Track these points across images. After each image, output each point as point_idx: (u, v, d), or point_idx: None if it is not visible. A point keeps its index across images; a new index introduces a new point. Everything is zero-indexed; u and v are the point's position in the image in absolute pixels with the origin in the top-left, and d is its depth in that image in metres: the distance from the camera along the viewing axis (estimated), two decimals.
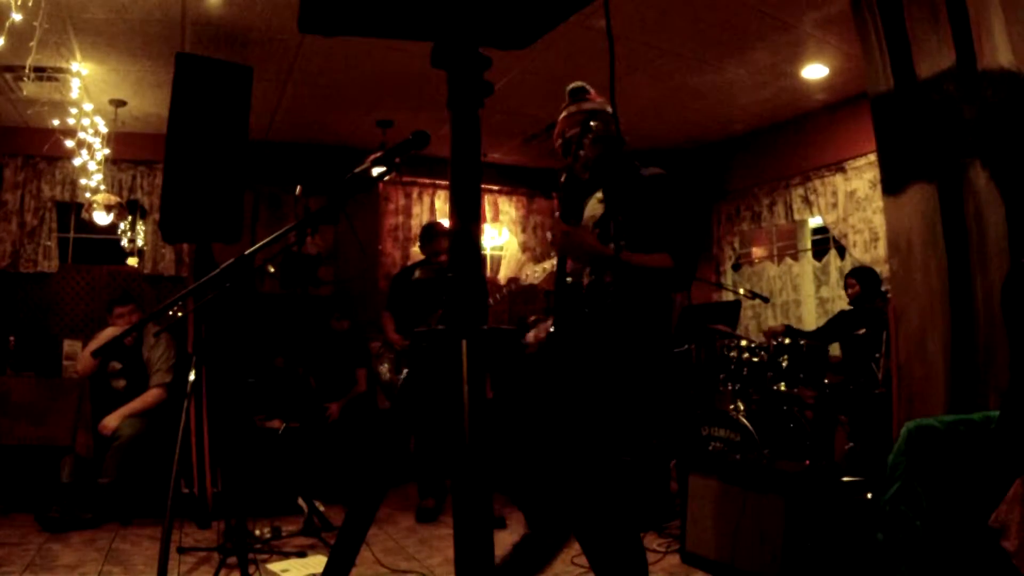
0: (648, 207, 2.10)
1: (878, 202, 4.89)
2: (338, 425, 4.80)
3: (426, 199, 6.61)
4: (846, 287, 4.65)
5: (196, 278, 4.65)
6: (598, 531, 1.94)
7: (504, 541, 3.69)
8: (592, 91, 2.31)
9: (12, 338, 5.02)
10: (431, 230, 4.52)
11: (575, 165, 2.18)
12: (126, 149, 5.55)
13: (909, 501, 2.09)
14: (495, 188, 6.79)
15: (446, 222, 5.54)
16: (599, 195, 2.21)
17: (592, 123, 2.10)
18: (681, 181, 2.17)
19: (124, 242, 5.70)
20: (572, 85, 2.31)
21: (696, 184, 6.63)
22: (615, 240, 1.99)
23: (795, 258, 6.04)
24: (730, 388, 4.21)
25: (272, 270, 5.35)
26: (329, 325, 5.24)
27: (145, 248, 5.78)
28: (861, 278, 4.54)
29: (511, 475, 2.10)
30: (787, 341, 4.16)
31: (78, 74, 4.27)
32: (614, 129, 2.17)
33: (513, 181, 6.80)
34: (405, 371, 4.32)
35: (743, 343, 4.22)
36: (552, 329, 2.14)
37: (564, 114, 2.28)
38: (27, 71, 3.56)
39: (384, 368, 4.47)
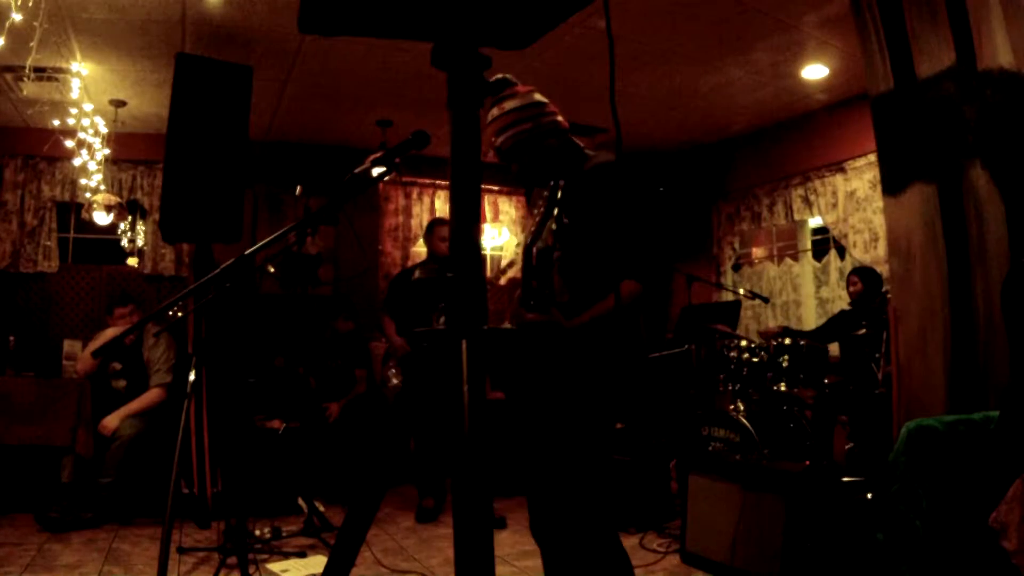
0: (599, 209, 1.90)
1: (878, 202, 4.89)
2: (338, 425, 4.80)
3: (426, 199, 6.61)
4: (848, 284, 4.66)
5: (196, 278, 4.65)
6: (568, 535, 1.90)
7: (504, 541, 3.70)
8: (516, 82, 2.01)
9: (12, 338, 5.01)
10: (432, 222, 4.53)
11: (517, 175, 2.06)
12: (126, 149, 5.55)
13: (909, 501, 2.09)
14: (495, 188, 6.79)
15: None
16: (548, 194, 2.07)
17: (511, 133, 1.95)
18: (629, 169, 1.97)
19: (124, 242, 5.70)
20: (492, 78, 2.02)
21: (696, 184, 6.64)
22: (572, 247, 1.89)
23: (795, 258, 6.04)
24: (730, 388, 4.21)
25: (272, 270, 5.33)
26: (330, 325, 5.24)
27: (145, 248, 5.78)
28: (864, 276, 4.55)
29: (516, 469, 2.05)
30: (787, 341, 4.16)
31: (78, 74, 4.27)
32: (545, 121, 1.99)
33: (513, 181, 6.78)
34: None
35: (743, 343, 4.23)
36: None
37: (488, 118, 2.03)
38: (27, 71, 3.55)
39: (392, 374, 4.46)
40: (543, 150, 2.00)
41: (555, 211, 1.98)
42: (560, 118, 2.05)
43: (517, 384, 2.05)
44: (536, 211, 2.11)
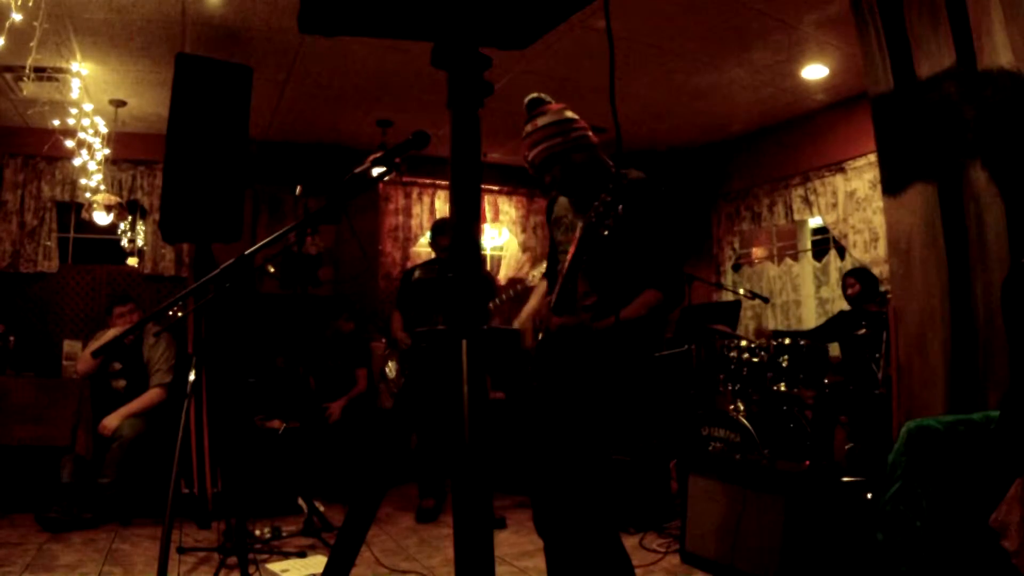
0: (635, 224, 2.01)
1: (878, 202, 4.88)
2: (338, 425, 4.80)
3: (426, 199, 6.62)
4: (845, 287, 4.61)
5: (196, 278, 4.65)
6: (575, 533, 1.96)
7: (504, 541, 3.70)
8: (550, 101, 2.17)
9: (12, 338, 5.02)
10: (442, 223, 4.51)
11: (548, 187, 2.16)
12: (126, 149, 5.55)
13: (909, 501, 2.09)
14: (495, 188, 6.79)
15: None
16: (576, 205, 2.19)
17: (543, 147, 2.07)
18: (661, 184, 2.06)
19: (124, 242, 5.70)
20: (528, 97, 2.17)
21: (696, 184, 6.64)
22: (599, 252, 1.96)
23: (795, 258, 6.04)
24: (730, 388, 4.21)
25: (272, 270, 5.34)
26: (331, 325, 5.24)
27: (145, 248, 5.78)
28: (861, 277, 4.53)
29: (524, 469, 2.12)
30: (787, 341, 4.16)
31: (78, 74, 4.27)
32: (574, 136, 2.10)
33: (513, 181, 6.80)
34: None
35: (743, 343, 4.22)
36: (540, 336, 2.14)
37: (523, 134, 2.17)
38: (27, 71, 3.55)
39: (390, 367, 4.47)
40: (572, 164, 2.12)
41: (588, 221, 2.04)
42: (590, 134, 2.16)
43: (536, 381, 2.14)
44: (566, 220, 2.24)
